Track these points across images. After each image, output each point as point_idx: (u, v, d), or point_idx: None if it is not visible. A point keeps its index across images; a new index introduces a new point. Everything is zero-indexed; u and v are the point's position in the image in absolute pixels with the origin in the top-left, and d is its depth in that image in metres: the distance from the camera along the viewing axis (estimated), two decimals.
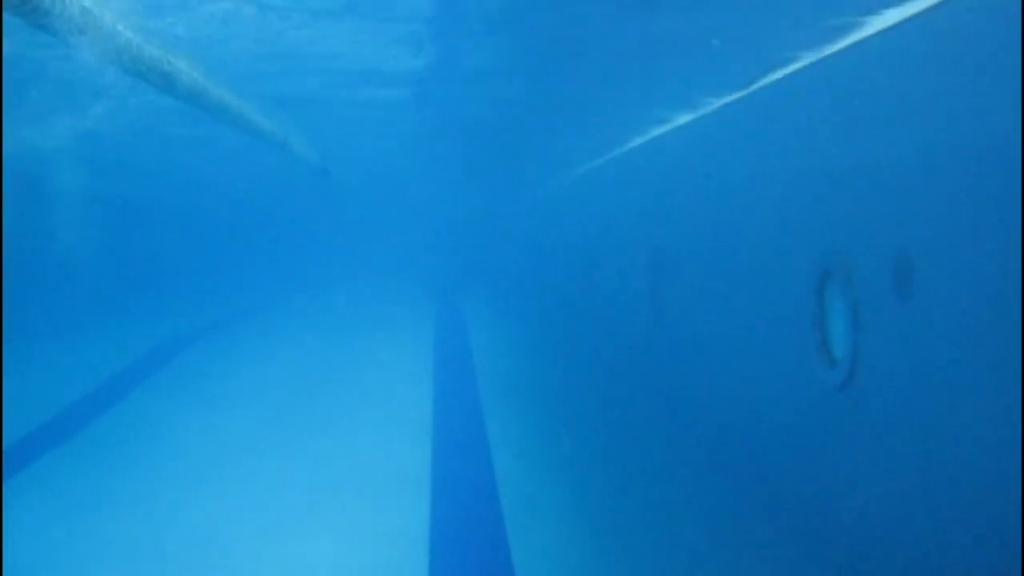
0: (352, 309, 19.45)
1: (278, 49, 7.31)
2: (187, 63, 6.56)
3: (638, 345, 10.11)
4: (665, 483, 7.34)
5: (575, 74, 10.48)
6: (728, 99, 7.30)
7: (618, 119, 10.79)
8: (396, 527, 5.84)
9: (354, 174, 19.58)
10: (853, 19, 4.69)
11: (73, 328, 14.01)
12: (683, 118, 8.66)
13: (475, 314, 18.55)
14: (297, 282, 23.71)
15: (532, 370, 12.65)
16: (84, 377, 11.36)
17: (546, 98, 11.79)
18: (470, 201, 23.32)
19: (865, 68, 4.96)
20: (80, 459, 7.79)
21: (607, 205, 12.18)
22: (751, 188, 6.55)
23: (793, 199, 5.73)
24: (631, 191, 10.85)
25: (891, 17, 4.46)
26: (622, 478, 7.24)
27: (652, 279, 9.43)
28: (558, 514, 6.30)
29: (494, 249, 22.86)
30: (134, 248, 17.81)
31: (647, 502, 6.69)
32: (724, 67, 6.77)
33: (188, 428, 8.54)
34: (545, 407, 10.07)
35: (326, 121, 12.49)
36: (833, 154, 5.20)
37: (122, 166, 15.13)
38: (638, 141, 10.50)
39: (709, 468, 7.34)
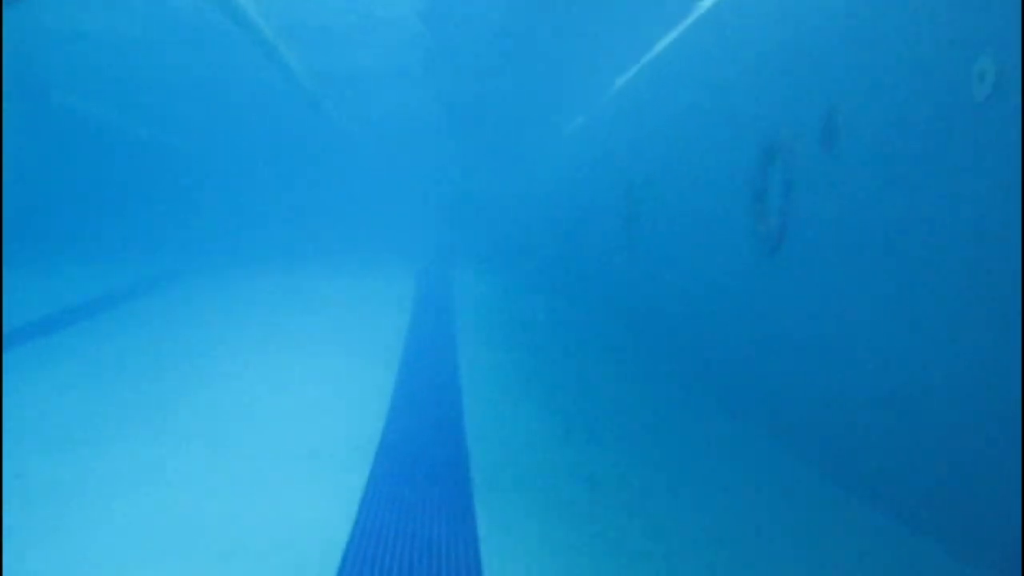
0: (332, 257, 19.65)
1: None
2: None
3: (613, 268, 10.43)
4: (623, 365, 7.83)
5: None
6: (678, 29, 7.90)
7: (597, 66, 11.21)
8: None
9: (347, 112, 19.71)
10: None
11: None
12: (645, 56, 9.21)
13: (462, 268, 18.82)
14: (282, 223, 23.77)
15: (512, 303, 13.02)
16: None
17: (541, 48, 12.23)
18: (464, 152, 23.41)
19: None
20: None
21: (590, 152, 12.49)
22: (706, 94, 6.83)
23: (737, 88, 6.02)
24: (611, 133, 11.15)
25: None
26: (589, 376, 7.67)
27: (627, 209, 9.71)
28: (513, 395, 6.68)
29: (486, 201, 23.05)
30: (109, 175, 17.91)
31: (606, 384, 7.09)
32: None
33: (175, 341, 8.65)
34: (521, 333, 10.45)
35: (322, 46, 12.66)
36: (767, 40, 5.49)
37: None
38: (614, 87, 10.87)
39: (664, 350, 7.87)
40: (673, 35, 8.18)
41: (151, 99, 17.55)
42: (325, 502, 4.17)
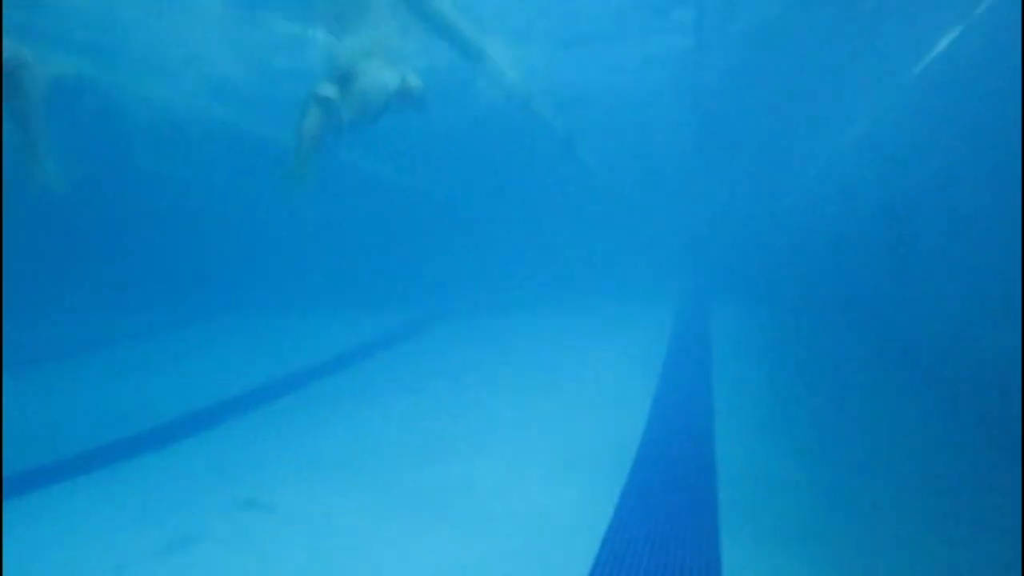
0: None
1: None
2: None
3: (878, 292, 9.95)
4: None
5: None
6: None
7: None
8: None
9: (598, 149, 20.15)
10: None
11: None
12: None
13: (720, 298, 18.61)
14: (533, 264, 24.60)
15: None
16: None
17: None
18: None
19: None
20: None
21: (848, 176, 12.02)
22: (975, 103, 6.46)
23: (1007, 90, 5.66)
24: (872, 152, 10.71)
25: None
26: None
27: (894, 228, 9.25)
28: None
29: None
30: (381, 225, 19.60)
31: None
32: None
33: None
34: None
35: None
36: None
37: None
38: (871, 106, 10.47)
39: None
40: (946, 39, 7.75)
41: (416, 151, 19.15)
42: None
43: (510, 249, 25.40)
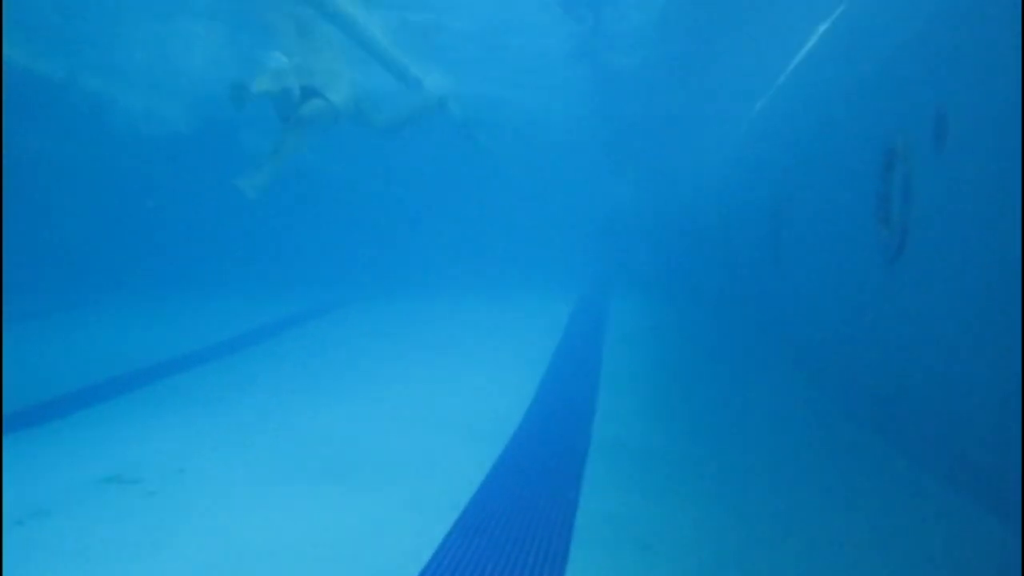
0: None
1: None
2: None
3: (761, 286, 10.34)
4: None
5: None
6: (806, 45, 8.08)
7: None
8: None
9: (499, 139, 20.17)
10: None
11: None
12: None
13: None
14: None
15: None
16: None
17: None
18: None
19: None
20: None
21: (736, 171, 12.43)
22: (833, 106, 6.80)
23: (860, 96, 5.99)
24: (755, 152, 11.11)
25: None
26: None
27: (773, 225, 9.62)
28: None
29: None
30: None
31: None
32: None
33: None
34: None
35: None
36: (882, 46, 5.46)
37: None
38: (756, 106, 10.88)
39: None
40: (803, 51, 8.21)
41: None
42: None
43: (412, 237, 25.20)
